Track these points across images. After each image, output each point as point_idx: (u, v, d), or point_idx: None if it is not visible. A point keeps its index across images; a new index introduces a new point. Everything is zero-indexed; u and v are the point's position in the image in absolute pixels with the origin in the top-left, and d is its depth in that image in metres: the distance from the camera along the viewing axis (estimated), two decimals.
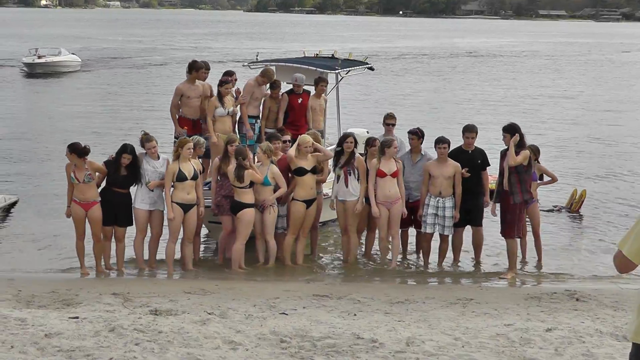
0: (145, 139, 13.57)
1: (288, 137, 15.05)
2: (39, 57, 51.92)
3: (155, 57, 68.96)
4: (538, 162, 14.73)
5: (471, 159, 14.12)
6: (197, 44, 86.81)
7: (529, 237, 14.96)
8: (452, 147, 14.17)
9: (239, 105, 15.87)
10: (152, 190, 13.46)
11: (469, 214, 14.25)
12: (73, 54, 56.59)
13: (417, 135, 14.45)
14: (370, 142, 14.42)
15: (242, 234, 13.71)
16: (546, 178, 15.41)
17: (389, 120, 15.57)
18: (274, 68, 16.80)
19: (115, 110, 36.35)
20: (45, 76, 50.62)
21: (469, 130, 14.21)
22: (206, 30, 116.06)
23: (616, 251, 5.84)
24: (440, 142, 13.97)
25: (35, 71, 51.28)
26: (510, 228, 13.67)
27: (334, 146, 14.64)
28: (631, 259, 5.74)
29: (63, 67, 53.07)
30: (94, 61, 62.59)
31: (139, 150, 13.68)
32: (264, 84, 16.29)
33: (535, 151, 14.58)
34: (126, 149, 13.48)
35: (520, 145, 13.47)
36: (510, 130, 13.50)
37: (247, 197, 13.61)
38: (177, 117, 15.73)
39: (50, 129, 30.58)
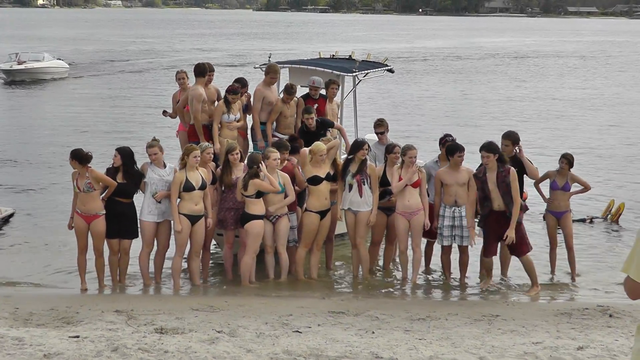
0: (148, 145, 13.62)
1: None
2: (19, 63, 50.34)
3: (157, 59, 68.81)
4: (570, 170, 14.73)
5: None
6: (203, 46, 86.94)
7: (560, 250, 14.94)
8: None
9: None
10: (160, 202, 13.50)
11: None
12: (59, 59, 55.24)
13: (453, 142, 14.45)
14: (389, 148, 14.40)
15: (251, 247, 13.72)
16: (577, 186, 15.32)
17: (378, 129, 15.57)
18: (279, 66, 16.74)
19: (107, 122, 35.42)
20: (26, 84, 49.35)
21: (505, 137, 14.17)
22: (213, 31, 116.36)
23: (625, 277, 5.32)
24: (460, 150, 13.93)
25: (14, 79, 49.82)
26: (523, 245, 13.67)
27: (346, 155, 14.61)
28: None
29: (46, 74, 51.75)
30: (87, 65, 61.71)
31: (145, 159, 13.75)
32: (273, 83, 16.20)
33: (568, 159, 14.62)
34: (118, 148, 13.61)
35: (502, 161, 13.51)
36: (492, 150, 13.54)
37: (255, 207, 13.63)
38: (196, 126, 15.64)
39: (37, 141, 30.42)
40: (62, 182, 20.80)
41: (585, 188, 15.03)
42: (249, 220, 13.62)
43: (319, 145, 14.00)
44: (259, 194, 13.59)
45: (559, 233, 15.04)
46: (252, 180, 13.49)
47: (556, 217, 14.78)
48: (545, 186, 15.00)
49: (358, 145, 14.01)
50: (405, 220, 13.99)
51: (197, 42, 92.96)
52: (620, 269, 5.49)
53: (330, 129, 15.77)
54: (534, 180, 14.73)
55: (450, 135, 14.66)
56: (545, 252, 15.40)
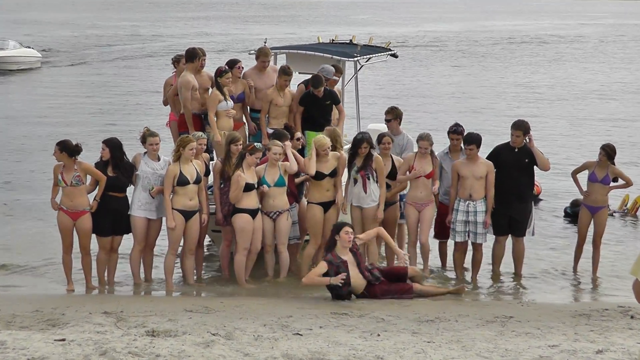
0: (149, 134, 13.61)
1: (299, 134, 15.05)
2: None
3: (142, 45, 68.04)
4: (613, 163, 14.66)
5: (517, 158, 14.18)
6: (194, 30, 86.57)
7: (586, 247, 14.97)
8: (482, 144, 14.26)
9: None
10: (153, 197, 13.53)
11: (513, 221, 14.33)
12: (29, 47, 52.98)
13: (460, 133, 14.47)
14: (379, 138, 14.43)
15: (238, 243, 13.74)
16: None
17: (385, 116, 15.62)
18: (272, 50, 16.68)
19: (86, 115, 34.47)
20: None
21: (515, 128, 14.24)
22: (205, 14, 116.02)
23: (633, 280, 5.48)
24: (467, 142, 14.03)
25: None
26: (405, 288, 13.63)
27: (349, 146, 14.62)
28: None
29: (12, 64, 49.47)
30: (66, 53, 60.36)
31: (138, 150, 13.78)
32: (264, 67, 16.15)
33: (606, 151, 14.54)
34: (105, 140, 13.64)
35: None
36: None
37: (243, 201, 13.65)
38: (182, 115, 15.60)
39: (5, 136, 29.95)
40: (42, 177, 20.84)
41: (627, 183, 14.92)
42: (234, 213, 13.69)
43: (321, 141, 13.92)
44: (248, 187, 13.59)
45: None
46: (233, 176, 13.56)
47: (591, 212, 14.71)
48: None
49: (356, 144, 13.98)
50: (416, 210, 14.12)
51: (188, 26, 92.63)
52: (629, 270, 5.56)
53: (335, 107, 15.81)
54: (545, 172, 14.79)
55: (460, 126, 14.66)
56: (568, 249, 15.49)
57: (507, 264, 14.83)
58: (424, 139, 14.16)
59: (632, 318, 11.86)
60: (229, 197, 13.62)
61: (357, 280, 12.99)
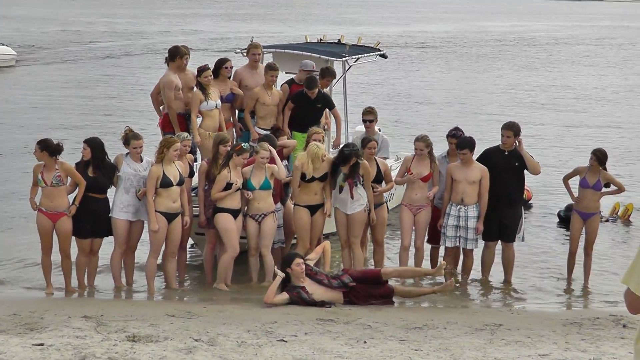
0: (132, 136, 13.58)
1: (284, 139, 15.11)
2: None
3: (126, 43, 67.59)
4: (605, 169, 14.67)
5: (507, 161, 14.20)
6: (177, 27, 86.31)
7: (578, 255, 15.00)
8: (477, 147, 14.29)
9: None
10: (140, 199, 13.50)
11: (502, 227, 14.34)
12: (3, 44, 51.25)
13: (458, 137, 14.45)
14: (364, 142, 14.40)
15: (226, 244, 13.77)
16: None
17: (366, 117, 15.67)
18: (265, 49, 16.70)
19: (65, 115, 33.63)
20: None
21: (506, 128, 14.26)
22: (189, 11, 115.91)
23: (625, 289, 5.42)
24: (459, 147, 14.05)
25: None
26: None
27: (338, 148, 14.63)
28: None
29: None
30: (47, 50, 59.43)
31: (120, 150, 13.75)
32: (255, 61, 16.12)
33: (598, 156, 14.53)
34: (86, 140, 13.60)
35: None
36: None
37: (223, 201, 13.69)
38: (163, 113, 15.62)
39: None
40: (20, 180, 20.77)
41: (619, 189, 14.89)
42: (215, 213, 13.72)
43: (316, 151, 13.88)
44: (232, 188, 13.61)
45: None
46: (218, 176, 13.59)
47: (583, 219, 14.69)
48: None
49: (345, 158, 13.88)
50: (411, 213, 14.16)
51: (174, 23, 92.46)
52: (620, 279, 5.52)
53: (327, 110, 15.83)
54: (535, 176, 14.85)
55: (460, 130, 14.64)
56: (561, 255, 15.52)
57: (497, 271, 14.85)
58: (420, 140, 14.18)
59: (625, 327, 11.89)
60: (211, 194, 13.64)
61: (329, 295, 13.00)
